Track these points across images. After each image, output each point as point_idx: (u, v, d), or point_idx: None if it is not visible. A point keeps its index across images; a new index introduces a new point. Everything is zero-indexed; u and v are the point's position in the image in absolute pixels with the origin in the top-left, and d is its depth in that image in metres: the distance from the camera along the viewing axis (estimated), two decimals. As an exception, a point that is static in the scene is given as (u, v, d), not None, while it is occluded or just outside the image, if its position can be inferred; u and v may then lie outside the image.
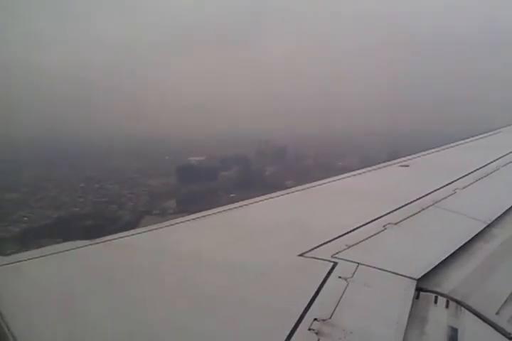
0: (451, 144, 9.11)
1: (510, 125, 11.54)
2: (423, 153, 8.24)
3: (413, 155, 7.90)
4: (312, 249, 3.37)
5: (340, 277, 2.87)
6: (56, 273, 3.15)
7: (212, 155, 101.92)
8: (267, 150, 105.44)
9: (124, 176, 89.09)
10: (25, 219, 59.22)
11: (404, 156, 7.89)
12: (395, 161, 7.35)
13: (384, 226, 3.94)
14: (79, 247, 3.56)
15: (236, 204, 4.78)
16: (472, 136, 9.99)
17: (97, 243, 3.68)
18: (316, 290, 2.67)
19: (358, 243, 3.51)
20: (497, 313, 2.72)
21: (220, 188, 79.70)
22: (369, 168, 6.85)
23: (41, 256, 3.36)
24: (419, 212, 4.41)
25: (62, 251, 3.46)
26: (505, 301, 2.86)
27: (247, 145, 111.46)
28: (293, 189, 5.51)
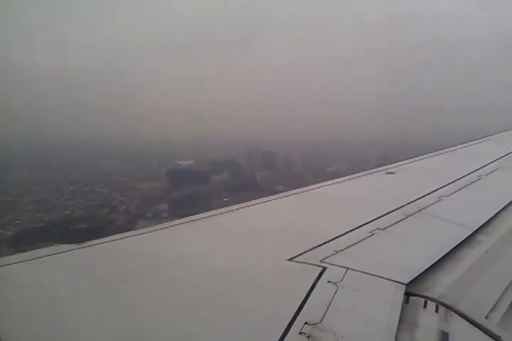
0: (437, 152, 9.21)
1: (497, 133, 11.81)
2: (409, 160, 8.31)
3: (399, 163, 7.97)
4: (301, 254, 3.38)
5: (329, 282, 2.88)
6: (42, 277, 3.11)
7: (201, 160, 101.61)
8: (257, 155, 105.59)
9: (112, 179, 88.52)
10: (17, 222, 58.02)
11: (391, 163, 7.98)
12: (381, 168, 7.41)
13: (371, 231, 3.97)
14: (65, 251, 3.54)
15: (226, 209, 4.80)
16: (460, 143, 10.14)
17: (84, 247, 3.66)
18: (305, 294, 2.68)
19: (346, 248, 3.53)
20: (486, 317, 2.73)
21: (212, 192, 79.56)
22: (356, 175, 6.91)
23: (27, 260, 3.33)
24: (405, 218, 4.46)
25: (49, 255, 3.44)
26: (494, 305, 2.89)
27: (236, 151, 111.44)
28: (281, 194, 5.54)
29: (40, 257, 3.40)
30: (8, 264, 3.24)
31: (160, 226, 4.24)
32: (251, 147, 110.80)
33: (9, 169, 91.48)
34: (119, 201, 72.12)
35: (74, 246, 3.67)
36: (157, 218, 61.69)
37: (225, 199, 74.70)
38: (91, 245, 3.69)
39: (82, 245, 3.69)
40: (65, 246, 3.65)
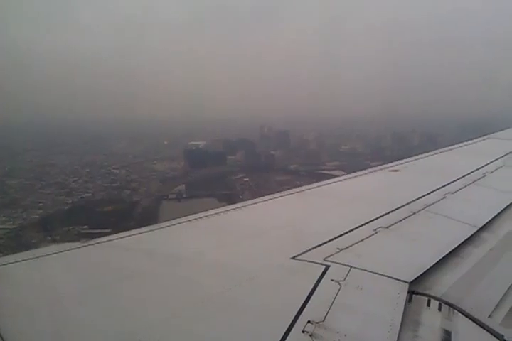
0: (441, 149, 9.17)
1: (499, 131, 11.79)
2: (413, 158, 8.28)
3: (403, 160, 7.93)
4: (305, 252, 3.35)
5: (332, 280, 2.85)
6: (44, 276, 3.10)
7: (213, 140, 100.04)
8: (270, 134, 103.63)
9: (127, 161, 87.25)
10: (40, 205, 56.66)
11: (395, 160, 7.96)
12: (385, 166, 7.36)
13: (375, 229, 3.92)
14: (68, 250, 3.50)
15: (230, 207, 4.77)
16: (462, 142, 10.10)
17: (87, 245, 3.63)
18: (309, 292, 2.65)
19: (349, 246, 3.49)
20: (489, 316, 2.69)
21: (230, 172, 78.42)
22: (359, 173, 6.87)
23: (29, 259, 3.31)
24: (410, 216, 4.40)
25: (53, 254, 3.40)
26: (498, 304, 2.83)
27: (248, 130, 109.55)
28: (285, 192, 5.48)
29: (44, 256, 3.37)
30: (12, 263, 3.23)
31: (164, 224, 4.20)
32: (263, 126, 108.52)
33: (22, 152, 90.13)
34: (138, 183, 71.11)
35: (77, 244, 3.62)
36: (179, 199, 60.59)
37: (245, 179, 73.59)
38: (95, 243, 3.66)
39: (86, 243, 3.64)
40: (69, 245, 3.60)
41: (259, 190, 61.12)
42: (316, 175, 70.82)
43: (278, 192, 5.47)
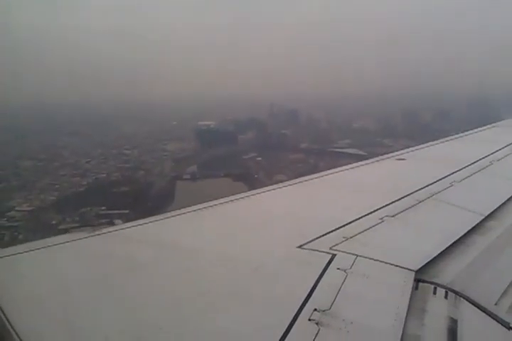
0: (447, 138, 9.14)
1: (504, 119, 11.82)
2: (420, 146, 8.24)
3: (410, 149, 7.92)
4: (311, 241, 3.33)
5: (338, 268, 2.86)
6: (55, 266, 3.12)
7: (222, 120, 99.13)
8: (279, 113, 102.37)
9: (137, 141, 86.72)
10: (56, 186, 56.50)
11: (403, 149, 7.90)
12: (391, 154, 7.33)
13: (381, 218, 3.91)
14: (77, 239, 3.52)
15: (235, 196, 4.73)
16: (468, 130, 10.10)
17: (96, 235, 3.64)
18: (315, 281, 2.66)
19: (355, 235, 3.47)
20: (496, 304, 2.69)
21: (242, 152, 77.93)
22: (366, 161, 6.81)
23: (39, 248, 3.32)
24: (416, 204, 4.39)
25: (61, 243, 3.42)
26: (504, 292, 2.84)
27: (256, 109, 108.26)
28: (291, 181, 5.47)
29: (53, 245, 3.38)
30: (21, 253, 3.24)
31: (170, 213, 4.21)
32: (272, 104, 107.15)
33: (30, 133, 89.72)
34: (151, 163, 70.78)
35: (86, 233, 3.63)
36: (194, 179, 60.24)
37: (258, 158, 73.09)
38: (104, 233, 3.67)
39: (95, 233, 3.66)
40: (78, 234, 3.61)
41: (273, 169, 60.73)
42: (329, 153, 70.24)
43: (293, 171, 6.23)
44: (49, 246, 3.37)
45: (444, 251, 3.27)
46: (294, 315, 2.29)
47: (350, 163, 6.60)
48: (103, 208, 47.13)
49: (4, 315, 2.38)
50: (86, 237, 3.58)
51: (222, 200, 4.61)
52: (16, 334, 2.24)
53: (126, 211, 43.72)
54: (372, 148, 61.96)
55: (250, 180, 54.33)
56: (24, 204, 50.18)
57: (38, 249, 3.32)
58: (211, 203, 4.51)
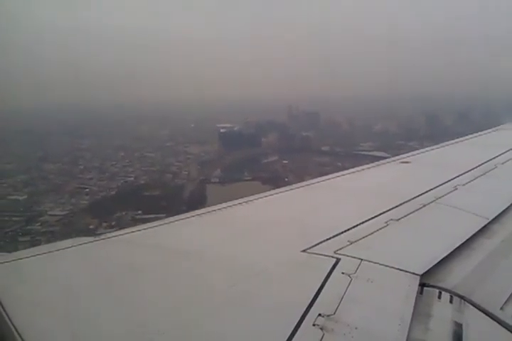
0: (451, 141, 9.08)
1: (507, 122, 11.59)
2: (424, 149, 8.22)
3: (414, 152, 7.86)
4: (315, 245, 3.32)
5: (343, 273, 2.83)
6: (59, 271, 3.11)
7: (241, 122, 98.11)
8: (299, 115, 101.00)
9: (158, 144, 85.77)
10: (87, 190, 55.31)
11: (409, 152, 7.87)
12: (396, 158, 7.30)
13: (386, 222, 3.86)
14: (82, 244, 3.51)
15: (240, 200, 4.70)
16: (472, 133, 10.00)
17: (100, 240, 3.62)
18: (319, 286, 2.64)
19: (360, 239, 3.45)
20: (501, 308, 2.66)
21: (267, 155, 76.76)
22: (371, 165, 6.78)
23: (43, 254, 3.31)
24: (420, 208, 4.33)
25: (65, 248, 3.41)
26: (510, 296, 2.80)
27: (274, 111, 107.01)
28: (296, 185, 5.43)
29: (58, 250, 3.37)
30: (26, 257, 3.23)
31: (173, 218, 4.19)
32: (291, 106, 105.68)
33: (48, 136, 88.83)
34: (177, 166, 69.80)
35: (91, 238, 3.62)
36: (223, 183, 59.09)
37: (284, 161, 71.96)
38: (108, 237, 3.65)
39: (100, 237, 3.64)
40: (83, 239, 3.60)
41: (301, 172, 59.43)
42: (355, 155, 68.91)
43: (321, 174, 5.65)
44: (54, 251, 3.35)
45: (448, 255, 3.22)
46: (298, 319, 2.25)
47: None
48: (139, 212, 45.88)
49: (9, 319, 2.37)
50: (91, 242, 3.56)
51: (227, 204, 4.59)
52: (22, 339, 2.24)
53: (163, 215, 42.52)
54: (397, 150, 60.88)
55: (280, 183, 53.22)
56: (56, 209, 48.96)
57: (43, 253, 3.31)
58: (216, 207, 4.50)
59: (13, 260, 3.19)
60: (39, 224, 44.40)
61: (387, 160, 7.14)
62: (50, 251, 3.33)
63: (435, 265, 3.01)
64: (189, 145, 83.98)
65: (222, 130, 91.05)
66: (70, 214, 47.08)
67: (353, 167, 6.43)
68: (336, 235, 3.52)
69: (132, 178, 62.21)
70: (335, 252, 3.15)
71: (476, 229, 3.78)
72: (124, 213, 46.14)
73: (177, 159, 73.88)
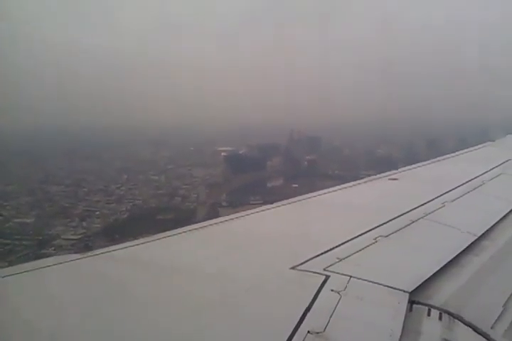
0: (439, 158, 9.12)
1: (496, 139, 11.76)
2: (412, 166, 8.23)
3: (402, 169, 7.88)
4: (304, 262, 3.29)
5: (332, 290, 2.80)
6: (44, 289, 3.06)
7: (240, 146, 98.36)
8: (302, 139, 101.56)
9: (161, 167, 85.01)
10: (97, 213, 54.17)
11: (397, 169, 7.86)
12: (384, 174, 7.32)
13: (375, 239, 3.84)
14: (69, 261, 3.46)
15: (230, 216, 4.71)
16: (460, 150, 10.13)
17: (87, 256, 3.58)
18: (309, 303, 2.60)
19: (349, 256, 3.43)
20: (492, 327, 2.66)
21: (273, 178, 76.64)
22: (358, 181, 6.82)
23: (29, 270, 3.26)
24: (409, 224, 4.33)
25: (52, 265, 3.36)
26: (500, 313, 2.81)
27: (274, 136, 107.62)
28: (283, 202, 5.39)
29: (43, 267, 3.33)
30: (10, 275, 3.19)
31: (163, 234, 4.20)
32: (294, 131, 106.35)
33: (46, 158, 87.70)
34: (184, 189, 68.77)
35: (79, 255, 3.59)
36: (233, 206, 58.50)
37: (294, 185, 71.80)
38: (96, 254, 3.63)
39: (87, 254, 3.62)
40: (70, 256, 3.58)
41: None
42: (361, 179, 69.16)
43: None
44: (39, 268, 3.30)
45: (437, 272, 3.21)
46: (287, 337, 2.22)
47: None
48: (148, 236, 44.81)
49: None
50: (78, 259, 3.52)
51: (216, 221, 4.57)
52: None
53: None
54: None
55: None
56: (68, 233, 47.66)
57: (28, 271, 3.25)
58: (206, 223, 4.48)
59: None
60: (53, 248, 43.04)
61: (376, 176, 7.18)
62: (36, 268, 3.29)
63: (424, 282, 3.01)
64: (192, 168, 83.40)
65: (223, 153, 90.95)
66: (85, 238, 45.84)
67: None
68: (325, 252, 3.50)
69: (141, 201, 61.20)
70: (324, 269, 3.13)
71: (465, 246, 3.80)
72: (140, 237, 44.88)
73: (183, 182, 72.96)
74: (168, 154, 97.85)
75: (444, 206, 5.04)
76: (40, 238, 45.31)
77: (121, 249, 3.76)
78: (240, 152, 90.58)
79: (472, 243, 3.91)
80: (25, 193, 62.12)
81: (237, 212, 4.70)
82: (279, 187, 71.65)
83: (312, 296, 2.67)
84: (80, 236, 46.30)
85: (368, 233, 3.99)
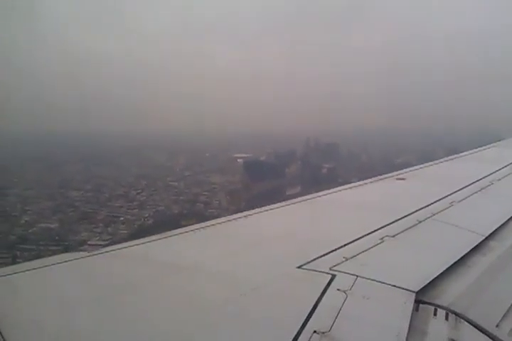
0: (447, 158, 9.04)
1: (503, 139, 11.70)
2: (419, 166, 8.16)
3: (410, 168, 7.83)
4: (311, 261, 3.28)
5: (338, 289, 2.79)
6: (52, 286, 3.08)
7: (258, 152, 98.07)
8: (319, 146, 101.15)
9: (177, 173, 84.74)
10: (122, 219, 53.80)
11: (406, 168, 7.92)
12: (391, 174, 7.24)
13: (381, 238, 3.82)
14: (76, 259, 3.47)
15: (236, 216, 4.71)
16: (468, 150, 10.02)
17: (95, 254, 3.58)
18: (314, 302, 2.59)
19: (355, 255, 3.41)
20: (497, 326, 2.64)
21: (293, 185, 76.09)
22: (366, 181, 6.71)
23: (37, 268, 3.28)
24: (416, 224, 4.28)
25: (59, 263, 3.37)
26: (505, 314, 2.78)
27: (291, 143, 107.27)
28: (291, 201, 5.37)
29: (52, 265, 3.34)
30: (16, 273, 3.20)
31: (169, 232, 4.18)
32: (311, 139, 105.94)
33: (62, 164, 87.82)
34: (205, 196, 68.25)
35: (85, 253, 3.59)
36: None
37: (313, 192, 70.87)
38: (101, 253, 3.63)
39: (94, 252, 3.62)
40: (77, 254, 3.58)
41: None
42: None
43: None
44: (47, 265, 3.32)
45: (444, 271, 3.17)
46: (293, 337, 2.21)
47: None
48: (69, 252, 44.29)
49: (2, 336, 2.34)
50: (85, 257, 3.52)
51: (223, 219, 4.59)
52: None
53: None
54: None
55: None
56: (94, 238, 47.22)
57: (36, 268, 3.27)
58: (213, 222, 4.48)
59: (5, 275, 3.18)
60: (81, 254, 42.52)
61: (383, 176, 7.11)
62: (44, 266, 3.32)
63: (431, 282, 2.99)
64: (210, 175, 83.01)
65: (239, 160, 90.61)
66: (112, 244, 45.23)
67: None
68: (332, 251, 3.48)
69: (163, 207, 60.78)
70: (330, 268, 3.12)
71: (472, 246, 3.76)
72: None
73: (203, 189, 72.66)
74: (183, 160, 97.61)
75: (451, 206, 5.00)
76: (67, 243, 44.84)
77: (127, 247, 3.79)
78: (259, 158, 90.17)
79: (479, 243, 3.87)
80: (45, 198, 61.93)
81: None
82: (298, 194, 71.07)
83: (318, 295, 2.67)
84: (107, 242, 45.84)
85: (375, 232, 3.97)
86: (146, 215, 56.77)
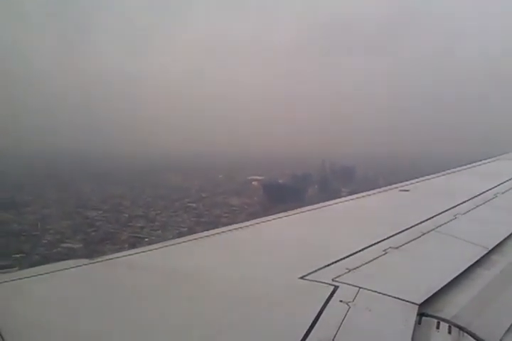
0: (451, 170, 9.03)
1: (507, 152, 11.69)
2: (423, 178, 8.10)
3: (414, 180, 7.74)
4: (313, 272, 3.25)
5: (341, 301, 2.76)
6: (56, 293, 3.08)
7: (272, 175, 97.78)
8: (335, 169, 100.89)
9: (194, 195, 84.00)
10: (146, 240, 52.72)
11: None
12: (395, 186, 7.22)
13: (385, 250, 3.80)
14: (80, 265, 3.48)
15: (238, 225, 4.70)
16: (471, 163, 10.01)
17: (98, 262, 3.59)
18: (317, 313, 2.57)
19: (358, 267, 3.39)
20: (501, 340, 2.62)
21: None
22: (370, 192, 6.75)
23: (40, 274, 3.28)
24: (420, 236, 4.27)
25: (64, 269, 3.38)
26: (509, 328, 2.75)
27: (305, 165, 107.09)
28: (294, 211, 5.41)
29: (56, 271, 3.34)
30: (20, 278, 3.20)
31: (172, 241, 4.20)
32: (326, 161, 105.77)
33: (71, 182, 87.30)
34: (227, 218, 67.19)
35: (90, 260, 3.61)
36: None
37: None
38: (106, 260, 3.65)
39: (98, 259, 3.63)
40: (81, 261, 3.59)
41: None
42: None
43: None
44: (51, 272, 3.33)
45: (447, 284, 3.14)
46: None
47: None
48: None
49: (2, 337, 2.33)
50: (89, 264, 3.52)
51: (225, 229, 4.58)
52: None
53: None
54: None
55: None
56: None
57: (41, 274, 3.27)
58: (215, 231, 4.49)
59: (10, 281, 3.17)
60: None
61: (387, 187, 7.16)
62: (48, 272, 3.31)
63: (434, 294, 2.95)
64: (227, 197, 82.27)
65: (254, 182, 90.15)
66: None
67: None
68: (335, 262, 3.46)
69: (186, 229, 59.70)
70: (333, 280, 3.08)
71: (475, 259, 3.73)
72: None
73: (223, 210, 71.65)
74: (197, 182, 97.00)
75: (455, 218, 5.00)
76: (94, 264, 43.75)
77: (130, 255, 3.82)
78: (277, 181, 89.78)
79: (483, 256, 3.86)
80: (64, 217, 60.96)
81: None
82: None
83: (320, 307, 2.63)
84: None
85: (378, 244, 3.96)
86: (171, 237, 55.67)
